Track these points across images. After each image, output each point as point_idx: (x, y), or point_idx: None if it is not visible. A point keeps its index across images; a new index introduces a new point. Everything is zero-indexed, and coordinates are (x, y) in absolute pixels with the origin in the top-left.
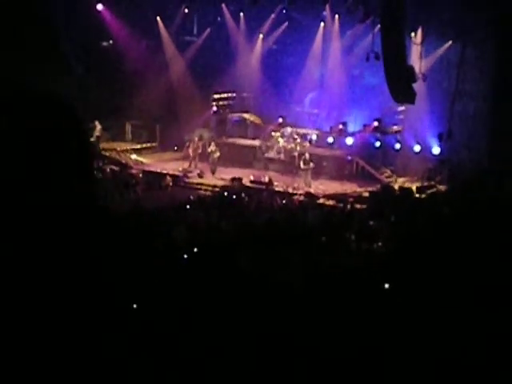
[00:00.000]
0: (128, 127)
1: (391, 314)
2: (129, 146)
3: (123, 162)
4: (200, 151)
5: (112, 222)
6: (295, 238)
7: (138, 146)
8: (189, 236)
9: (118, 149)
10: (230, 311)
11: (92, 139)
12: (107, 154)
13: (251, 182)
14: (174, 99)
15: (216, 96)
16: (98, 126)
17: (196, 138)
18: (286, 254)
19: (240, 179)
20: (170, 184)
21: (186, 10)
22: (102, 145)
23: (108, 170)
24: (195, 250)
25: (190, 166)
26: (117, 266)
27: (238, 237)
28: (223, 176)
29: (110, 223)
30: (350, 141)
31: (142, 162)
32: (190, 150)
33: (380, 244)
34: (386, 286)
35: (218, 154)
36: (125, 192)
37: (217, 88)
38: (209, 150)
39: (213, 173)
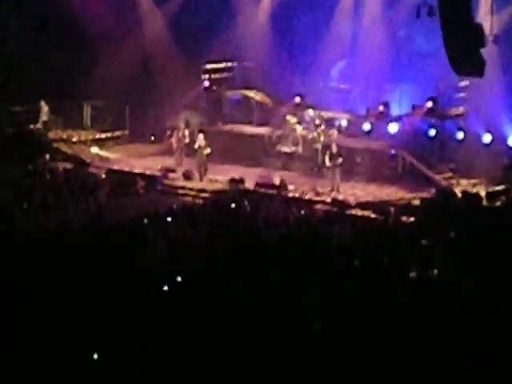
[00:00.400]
0: (87, 110)
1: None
2: (88, 136)
3: (80, 157)
4: (187, 142)
5: (64, 243)
6: (316, 263)
7: (101, 136)
8: (170, 260)
9: (73, 139)
10: (221, 367)
11: (36, 126)
12: (58, 146)
13: (257, 184)
14: (149, 71)
15: (208, 67)
16: (45, 108)
17: (181, 125)
18: (303, 286)
19: (241, 181)
20: (143, 188)
21: None
22: (51, 134)
23: (59, 168)
24: (178, 279)
25: (177, 163)
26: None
27: (237, 262)
28: (218, 177)
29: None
30: (393, 128)
31: (105, 158)
32: (173, 141)
33: (435, 272)
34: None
35: (207, 150)
36: (81, 199)
37: (209, 56)
38: (196, 144)
39: (201, 178)
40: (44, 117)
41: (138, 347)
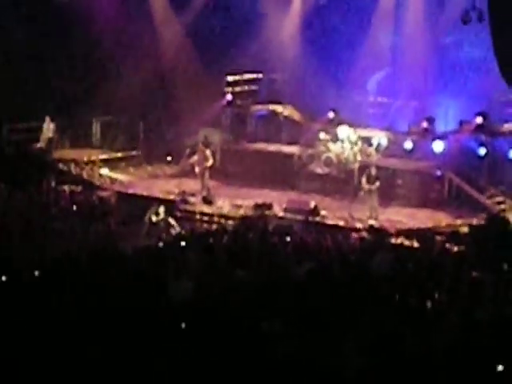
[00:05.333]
0: (96, 127)
1: None
2: (97, 156)
3: (89, 179)
4: (210, 164)
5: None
6: (352, 299)
7: (112, 156)
8: (186, 293)
9: (81, 159)
10: None
11: (40, 145)
12: (64, 167)
13: (285, 210)
14: (165, 84)
15: (231, 79)
16: (51, 125)
17: (201, 144)
18: (338, 325)
19: (268, 206)
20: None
21: None
22: (57, 153)
23: (65, 191)
24: (195, 316)
25: (202, 187)
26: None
27: (263, 296)
28: (241, 202)
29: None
30: (438, 146)
31: (116, 180)
32: (193, 162)
33: (488, 309)
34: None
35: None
36: (90, 225)
37: (232, 67)
38: (207, 163)
39: (209, 202)
40: (49, 134)
41: None
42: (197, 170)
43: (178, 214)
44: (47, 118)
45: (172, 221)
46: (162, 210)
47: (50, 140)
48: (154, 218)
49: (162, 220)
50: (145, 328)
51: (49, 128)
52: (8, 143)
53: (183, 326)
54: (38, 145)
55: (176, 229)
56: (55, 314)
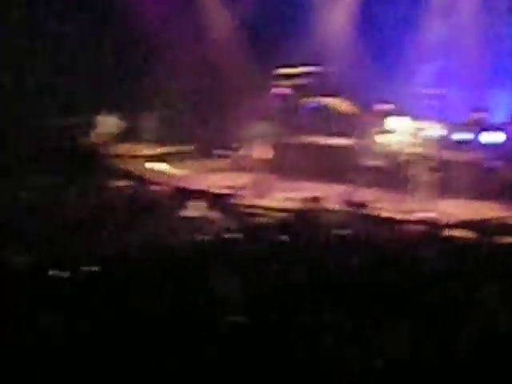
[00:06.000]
0: (148, 121)
1: None
2: (150, 150)
3: (141, 174)
4: (263, 157)
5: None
6: (405, 293)
7: (164, 151)
8: (235, 289)
9: (134, 154)
10: None
11: (94, 139)
12: (116, 162)
13: (339, 203)
14: (216, 79)
15: (281, 72)
16: (110, 120)
17: (254, 137)
18: (389, 323)
19: (320, 199)
20: (211, 207)
21: None
22: (110, 149)
23: (119, 186)
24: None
25: (254, 181)
26: None
27: (312, 292)
28: (294, 195)
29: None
30: (493, 138)
31: (169, 174)
32: (246, 156)
33: None
34: None
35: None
36: (145, 220)
37: (283, 59)
38: (261, 156)
39: (262, 195)
40: (109, 129)
41: None
42: (250, 163)
43: (229, 207)
44: (103, 113)
45: (213, 215)
46: (202, 204)
47: (108, 135)
48: (193, 213)
49: (201, 216)
50: (194, 323)
51: (107, 123)
52: (59, 138)
53: (234, 319)
54: (93, 139)
55: (217, 224)
56: (113, 311)
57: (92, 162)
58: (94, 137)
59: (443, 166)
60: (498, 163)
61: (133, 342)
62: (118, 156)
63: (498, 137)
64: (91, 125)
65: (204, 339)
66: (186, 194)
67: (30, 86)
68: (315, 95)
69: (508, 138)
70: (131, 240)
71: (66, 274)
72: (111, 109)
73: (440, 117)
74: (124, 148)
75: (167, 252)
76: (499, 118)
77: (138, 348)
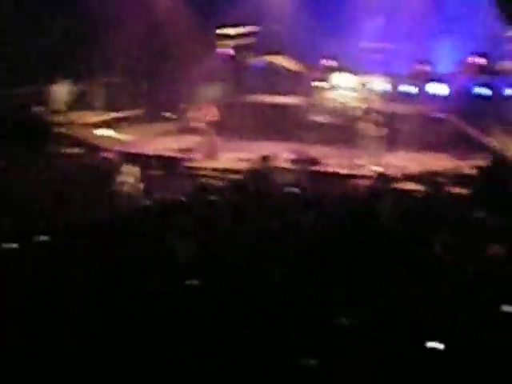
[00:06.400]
0: (96, 88)
1: None
2: (99, 117)
3: (91, 141)
4: (212, 118)
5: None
6: (361, 248)
7: (113, 117)
8: (190, 250)
9: (83, 121)
10: None
11: (44, 108)
12: (66, 130)
13: (288, 160)
14: (162, 42)
15: (226, 32)
16: (62, 88)
17: (202, 99)
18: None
19: (270, 158)
20: (163, 171)
21: None
22: (58, 117)
23: (69, 154)
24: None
25: (206, 143)
26: None
27: (270, 247)
28: (244, 155)
29: None
30: (439, 89)
31: (119, 140)
32: (196, 118)
33: (497, 249)
34: None
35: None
36: (97, 187)
37: (228, 20)
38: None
39: (212, 157)
40: (61, 97)
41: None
42: (199, 125)
43: (181, 170)
44: (56, 82)
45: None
46: (133, 170)
47: (61, 104)
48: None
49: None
50: (154, 288)
51: (60, 91)
52: (8, 108)
53: (192, 282)
54: (45, 108)
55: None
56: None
57: (43, 131)
58: (47, 106)
59: (390, 119)
60: (445, 114)
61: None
62: (68, 124)
63: (443, 88)
64: (43, 94)
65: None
66: (134, 159)
67: None
68: (260, 54)
69: (452, 89)
70: (80, 208)
71: (16, 245)
72: (63, 77)
73: (385, 70)
74: (74, 116)
75: (115, 217)
76: (444, 69)
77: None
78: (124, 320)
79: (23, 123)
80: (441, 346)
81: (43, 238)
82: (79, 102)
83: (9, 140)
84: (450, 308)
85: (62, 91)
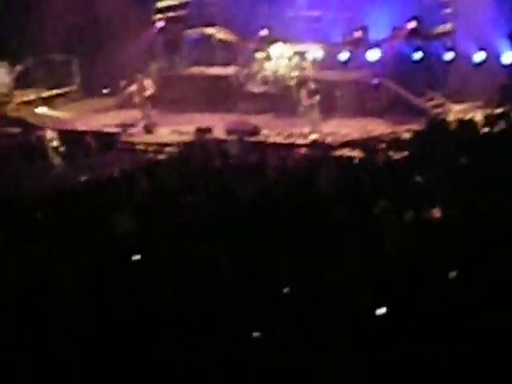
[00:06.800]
0: (30, 66)
1: None
2: (34, 95)
3: (27, 120)
4: (149, 92)
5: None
6: (300, 216)
7: (48, 94)
8: (139, 225)
9: (18, 100)
10: None
11: None
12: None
13: (226, 132)
14: (94, 17)
15: (160, 5)
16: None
17: (138, 73)
18: (290, 244)
19: (208, 130)
20: (100, 147)
21: None
22: None
23: (3, 133)
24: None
25: (143, 118)
26: None
27: (211, 221)
28: (181, 128)
29: None
30: (374, 55)
31: (55, 118)
32: (132, 92)
33: (436, 213)
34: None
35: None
36: (33, 166)
37: None
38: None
39: (150, 131)
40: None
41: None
42: (136, 99)
43: (119, 146)
44: None
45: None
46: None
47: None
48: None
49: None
50: (97, 263)
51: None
52: None
53: (133, 258)
54: None
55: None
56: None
57: None
58: None
59: (327, 86)
60: (381, 80)
61: None
62: (5, 103)
63: (377, 53)
64: None
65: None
66: (73, 137)
67: None
68: (196, 26)
69: (387, 55)
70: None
71: None
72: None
73: (320, 38)
74: (11, 95)
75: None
76: (378, 35)
77: None
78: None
79: None
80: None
81: None
82: (20, 81)
83: None
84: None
85: (1, 73)
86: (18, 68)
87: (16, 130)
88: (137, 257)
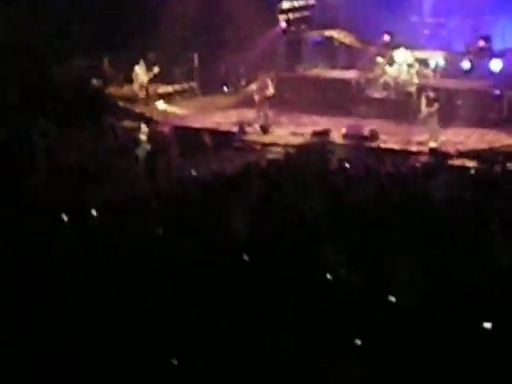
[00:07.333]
0: (148, 62)
1: None
2: (153, 90)
3: (145, 114)
4: (271, 93)
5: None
6: (414, 225)
7: (168, 90)
8: (251, 224)
9: (137, 94)
10: None
11: (99, 82)
12: (120, 103)
13: (344, 136)
14: (217, 14)
15: (284, 5)
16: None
17: (259, 73)
18: (401, 252)
19: (326, 133)
20: (218, 145)
21: None
22: (113, 90)
23: (123, 128)
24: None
25: (259, 117)
26: None
27: (324, 224)
28: (299, 130)
29: None
30: (497, 65)
31: (174, 114)
32: (252, 91)
33: None
34: None
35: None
36: (153, 159)
37: None
38: (267, 91)
39: (267, 131)
40: (142, 77)
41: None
42: (256, 98)
43: (236, 144)
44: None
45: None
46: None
47: (106, 77)
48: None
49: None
50: (208, 261)
51: (141, 70)
52: (67, 81)
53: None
54: (95, 82)
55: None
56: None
57: (99, 105)
58: (104, 79)
59: (448, 95)
60: (503, 91)
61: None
62: (121, 97)
63: (500, 64)
64: (94, 68)
65: None
66: (192, 133)
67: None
68: (318, 28)
69: (509, 65)
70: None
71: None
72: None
73: (443, 46)
74: (127, 89)
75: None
76: (503, 44)
77: None
78: None
79: (83, 96)
80: None
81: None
82: (125, 76)
83: (68, 112)
84: None
85: (142, 70)
86: (156, 69)
87: (134, 124)
88: (248, 257)
